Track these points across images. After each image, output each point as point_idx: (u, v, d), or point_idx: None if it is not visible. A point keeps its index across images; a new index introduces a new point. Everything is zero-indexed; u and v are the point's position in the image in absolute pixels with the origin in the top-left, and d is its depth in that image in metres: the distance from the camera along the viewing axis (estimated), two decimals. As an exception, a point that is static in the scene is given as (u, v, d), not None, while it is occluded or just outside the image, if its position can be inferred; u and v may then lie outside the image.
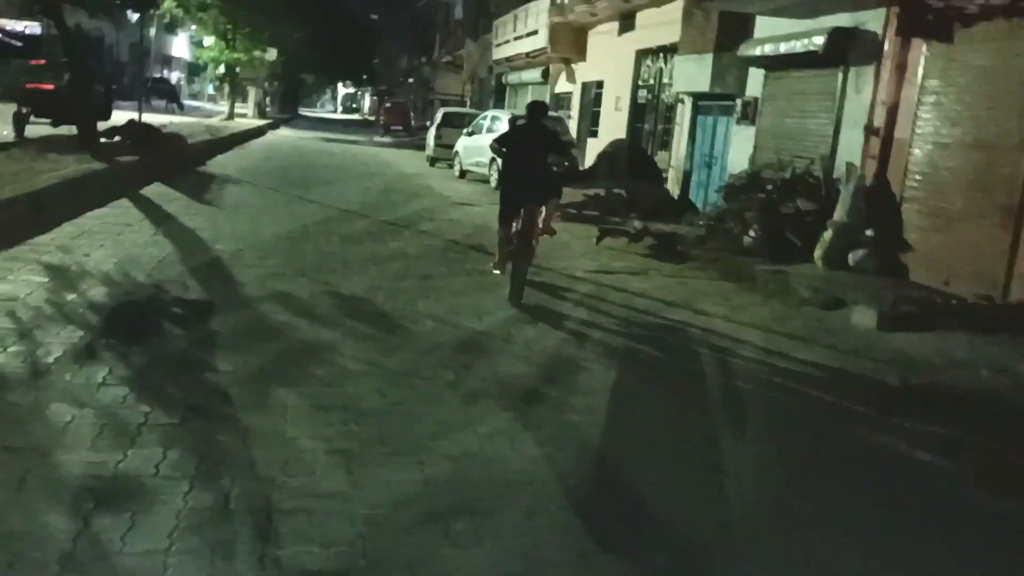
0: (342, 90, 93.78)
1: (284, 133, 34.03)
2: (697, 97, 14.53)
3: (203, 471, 3.38)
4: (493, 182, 15.89)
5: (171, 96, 37.57)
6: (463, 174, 18.77)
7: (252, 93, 41.25)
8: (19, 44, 25.92)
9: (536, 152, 7.38)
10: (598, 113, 20.60)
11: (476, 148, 17.33)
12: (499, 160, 8.22)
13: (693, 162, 14.83)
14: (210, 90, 56.89)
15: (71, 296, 5.85)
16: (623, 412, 4.61)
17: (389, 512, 3.20)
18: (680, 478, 3.84)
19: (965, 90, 8.44)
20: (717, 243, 10.24)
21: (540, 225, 7.41)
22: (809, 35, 10.28)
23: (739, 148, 12.72)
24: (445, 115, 22.68)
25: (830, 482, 3.98)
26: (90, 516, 2.96)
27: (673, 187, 15.02)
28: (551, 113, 13.89)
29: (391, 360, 5.12)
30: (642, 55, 17.90)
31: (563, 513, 3.35)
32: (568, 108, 22.75)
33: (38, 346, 4.72)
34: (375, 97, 72.99)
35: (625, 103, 18.57)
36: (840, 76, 10.21)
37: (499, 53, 28.58)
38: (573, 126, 20.99)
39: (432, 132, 22.56)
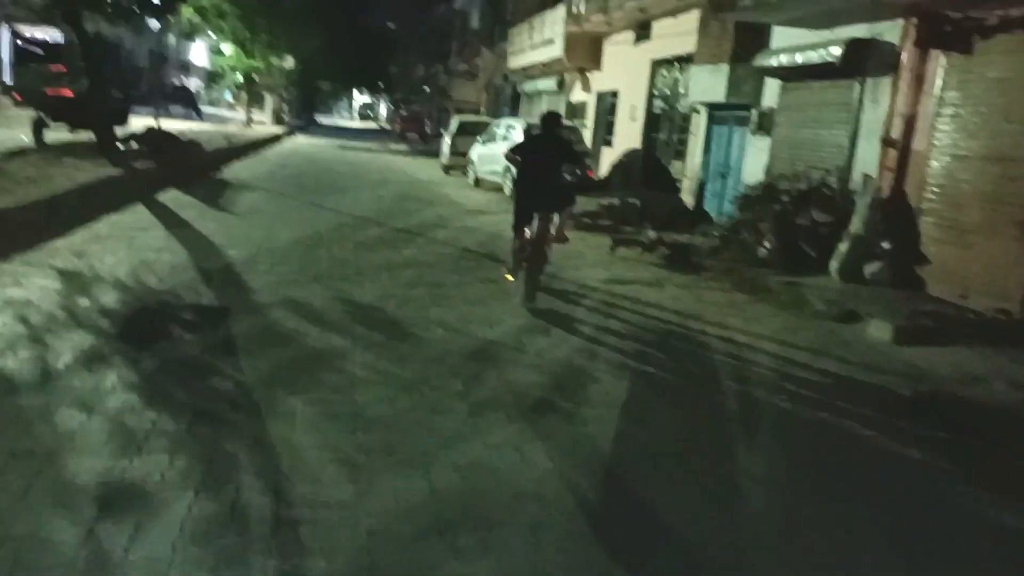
0: (358, 98, 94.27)
1: (300, 140, 34.21)
2: (712, 107, 14.48)
3: (209, 478, 3.36)
4: (507, 190, 15.89)
5: (190, 103, 37.86)
6: (477, 182, 18.78)
7: (269, 100, 41.54)
8: (40, 51, 26.23)
9: (550, 161, 7.48)
10: (613, 122, 20.57)
11: (490, 156, 17.34)
12: (513, 169, 8.28)
13: (708, 172, 14.77)
14: (228, 97, 57.30)
15: (83, 301, 5.87)
16: (634, 424, 4.56)
17: (394, 523, 3.17)
18: (690, 491, 3.78)
19: (983, 102, 8.35)
20: (731, 254, 10.18)
21: (553, 233, 7.48)
22: (826, 46, 10.22)
23: (754, 158, 12.66)
24: (460, 123, 22.72)
25: (842, 499, 3.91)
26: (94, 523, 2.94)
27: (687, 197, 14.95)
28: (565, 122, 13.89)
29: (401, 368, 5.09)
30: (658, 65, 17.87)
31: (571, 526, 3.31)
32: (583, 117, 22.73)
33: (49, 351, 4.73)
34: (391, 105, 73.33)
35: (640, 113, 18.54)
36: (857, 87, 10.14)
37: (514, 62, 28.63)
38: (588, 135, 20.96)
39: (447, 140, 22.62)
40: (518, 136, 15.48)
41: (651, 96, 18.20)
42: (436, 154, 25.59)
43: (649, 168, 15.11)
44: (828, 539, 3.46)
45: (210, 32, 33.76)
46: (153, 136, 16.34)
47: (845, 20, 10.01)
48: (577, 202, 9.86)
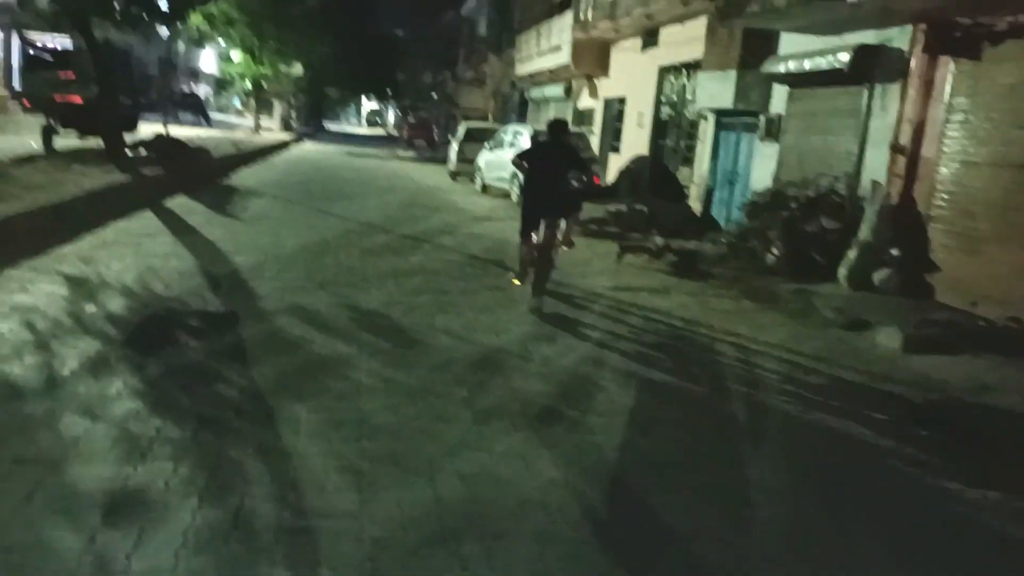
0: (366, 105, 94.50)
1: (308, 147, 34.31)
2: (720, 114, 14.44)
3: (213, 486, 3.34)
4: (514, 197, 15.89)
5: (199, 110, 38.03)
6: (484, 189, 18.79)
7: (277, 107, 41.69)
8: (50, 58, 26.39)
9: (557, 168, 7.56)
10: (620, 129, 20.56)
11: (498, 163, 17.35)
12: (520, 176, 8.33)
13: (716, 179, 14.72)
14: (237, 104, 57.55)
15: (90, 307, 5.87)
16: (640, 433, 4.52)
17: (399, 532, 3.14)
18: (697, 501, 3.74)
19: (993, 108, 8.30)
20: (739, 261, 10.14)
21: (560, 238, 7.53)
22: (834, 52, 10.18)
23: (762, 165, 12.62)
24: (467, 130, 22.74)
25: (850, 510, 3.86)
26: (97, 531, 2.93)
27: (695, 204, 14.92)
28: (573, 129, 13.88)
29: (406, 376, 5.07)
30: (665, 71, 17.85)
31: (577, 535, 3.27)
32: (590, 124, 22.73)
33: (54, 357, 4.72)
34: (399, 112, 73.47)
35: (647, 119, 18.51)
36: (865, 94, 10.10)
37: (522, 68, 28.66)
38: (595, 142, 20.94)
39: (454, 147, 22.64)
40: (525, 143, 15.46)
41: (658, 103, 18.18)
42: (443, 161, 25.63)
43: (656, 175, 15.09)
44: (835, 552, 3.42)
45: (219, 39, 33.89)
46: (161, 143, 16.42)
47: (853, 26, 9.97)
48: (583, 208, 9.86)
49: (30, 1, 22.63)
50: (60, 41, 30.38)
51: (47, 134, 14.89)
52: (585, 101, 23.71)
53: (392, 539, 3.09)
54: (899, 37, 9.54)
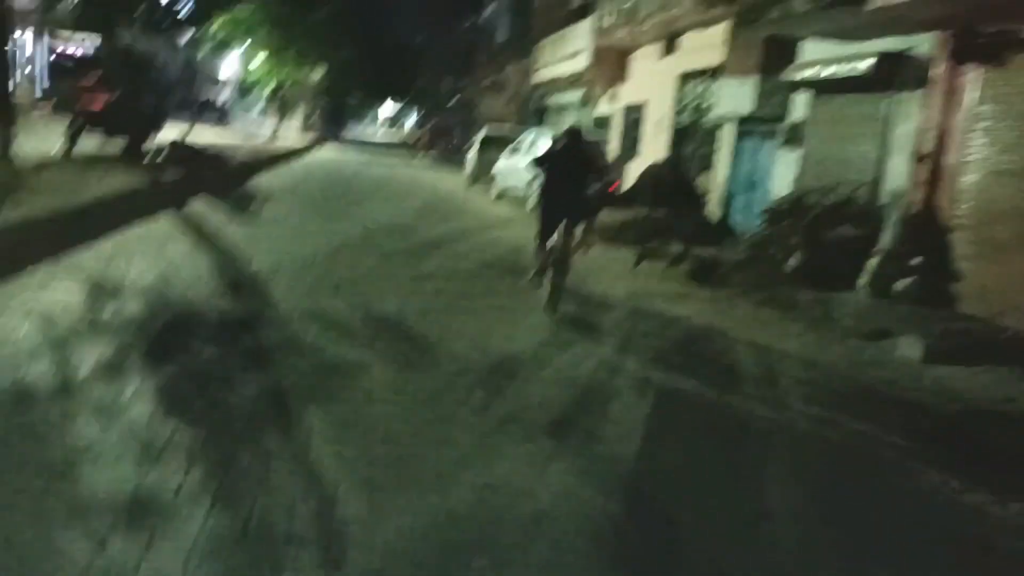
0: (385, 110, 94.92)
1: (327, 152, 34.47)
2: (740, 120, 14.35)
3: (223, 492, 3.32)
4: (530, 204, 15.84)
5: (219, 115, 38.30)
6: (501, 195, 18.76)
7: (297, 113, 41.93)
8: (75, 61, 26.72)
9: (574, 174, 7.68)
10: (639, 135, 20.48)
11: (514, 170, 17.31)
12: (537, 182, 8.44)
13: (735, 186, 14.62)
14: (258, 109, 57.99)
15: (106, 310, 5.89)
16: (656, 443, 4.46)
17: (408, 543, 3.10)
18: (714, 515, 3.68)
19: (1018, 116, 8.18)
20: (758, 269, 10.03)
21: (576, 243, 7.63)
22: (857, 59, 10.09)
23: (782, 172, 12.51)
24: (485, 137, 22.73)
25: (868, 524, 3.79)
26: (107, 536, 2.91)
27: (714, 211, 14.82)
28: (591, 135, 13.81)
29: (420, 382, 5.04)
30: (685, 78, 17.77)
31: (590, 549, 3.22)
32: (608, 130, 22.67)
33: (69, 359, 4.73)
34: (418, 118, 73.75)
35: (666, 126, 18.43)
36: (888, 101, 9.99)
37: (541, 75, 28.66)
38: (613, 148, 20.88)
39: (472, 153, 22.64)
40: (542, 150, 15.43)
41: (678, 109, 18.10)
42: (460, 167, 25.64)
43: (675, 181, 14.97)
44: (853, 568, 3.35)
45: (240, 44, 34.16)
46: (177, 151, 16.52)
47: (876, 33, 9.87)
48: (600, 215, 9.82)
49: (56, 6, 22.93)
50: (85, 46, 30.77)
51: (71, 137, 15.04)
52: (603, 107, 23.65)
53: (402, 548, 3.05)
54: (922, 44, 9.43)
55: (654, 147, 18.81)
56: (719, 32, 14.98)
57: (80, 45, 28.89)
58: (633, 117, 21.24)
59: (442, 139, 45.11)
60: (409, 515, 3.31)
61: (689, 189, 15.05)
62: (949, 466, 4.54)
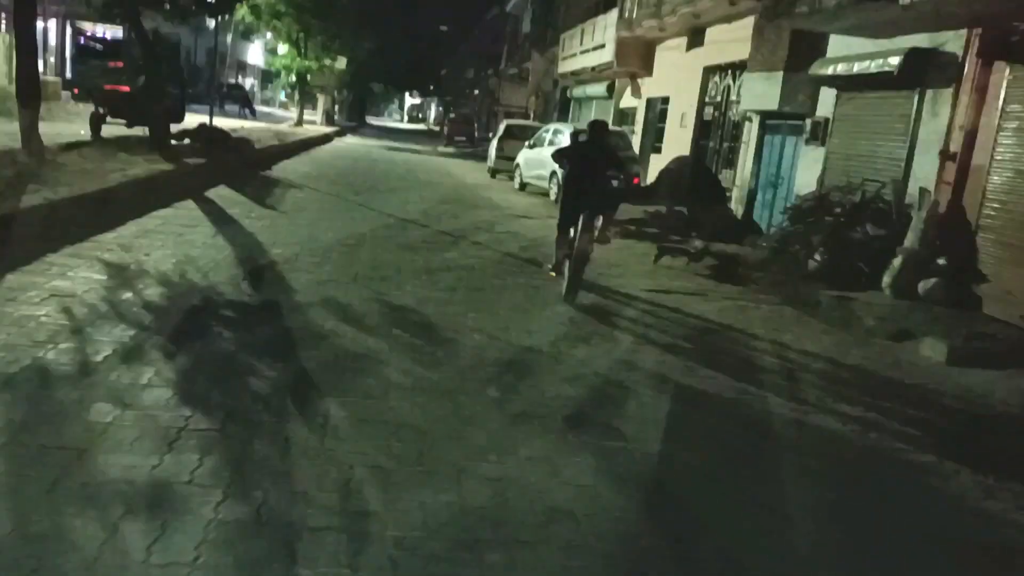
0: (408, 100, 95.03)
1: (350, 141, 34.55)
2: (765, 116, 14.20)
3: (237, 481, 3.32)
4: (552, 196, 15.80)
5: (244, 102, 38.48)
6: (523, 187, 18.72)
7: (321, 101, 42.06)
8: (99, 48, 26.91)
9: (596, 166, 7.71)
10: (663, 129, 20.35)
11: (537, 161, 17.27)
12: (559, 173, 8.46)
13: (758, 182, 14.48)
14: (282, 97, 58.22)
15: (126, 294, 5.92)
16: (674, 441, 4.41)
17: (422, 536, 3.08)
18: (733, 515, 3.64)
19: (1051, 116, 8.02)
20: (781, 266, 9.92)
21: (596, 234, 7.69)
22: (884, 55, 9.93)
23: (807, 169, 12.37)
24: (507, 127, 22.69)
25: (888, 527, 3.73)
26: (119, 522, 2.91)
27: (737, 207, 14.69)
28: (614, 128, 13.73)
29: (436, 374, 5.02)
30: (710, 71, 17.63)
31: (605, 547, 3.19)
32: (632, 123, 22.54)
33: (88, 343, 4.75)
34: (440, 107, 73.74)
35: (690, 120, 18.30)
36: (916, 98, 9.83)
37: (565, 66, 28.54)
38: (637, 141, 20.77)
39: (494, 144, 22.61)
40: (565, 141, 15.36)
41: (702, 103, 17.95)
42: (483, 157, 25.61)
43: (697, 176, 14.87)
44: (874, 569, 3.30)
45: (266, 32, 34.30)
46: (205, 132, 16.61)
47: (904, 29, 9.71)
48: (621, 209, 9.76)
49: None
50: (111, 31, 30.98)
51: (96, 122, 15.16)
52: (627, 100, 23.52)
53: (415, 542, 3.04)
54: (952, 41, 9.26)
55: (678, 141, 18.68)
56: (745, 26, 14.82)
57: (107, 29, 29.15)
58: (657, 110, 21.11)
59: (465, 129, 45.10)
60: (422, 508, 3.29)
61: (712, 184, 14.95)
62: (972, 470, 4.46)
